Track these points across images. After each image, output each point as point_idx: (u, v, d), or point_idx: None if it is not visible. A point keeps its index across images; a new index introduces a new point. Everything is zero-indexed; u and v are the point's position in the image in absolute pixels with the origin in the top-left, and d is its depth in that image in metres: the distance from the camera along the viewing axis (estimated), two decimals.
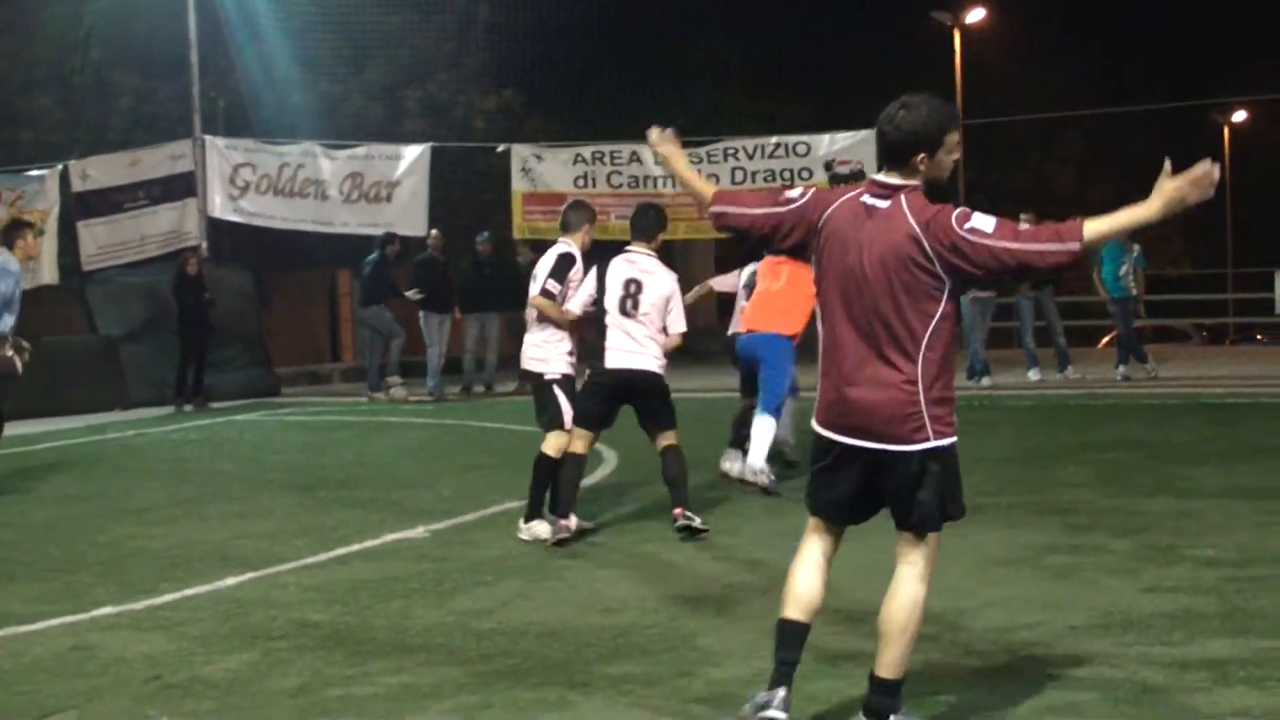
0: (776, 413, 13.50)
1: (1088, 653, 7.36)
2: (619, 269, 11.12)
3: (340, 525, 11.97)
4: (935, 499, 6.13)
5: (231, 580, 9.79)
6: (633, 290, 11.01)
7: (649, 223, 11.41)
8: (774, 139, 27.00)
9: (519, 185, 27.35)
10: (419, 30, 36.51)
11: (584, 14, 33.36)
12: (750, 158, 26.59)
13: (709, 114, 35.97)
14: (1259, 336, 46.59)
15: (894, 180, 6.03)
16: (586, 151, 27.32)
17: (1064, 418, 18.77)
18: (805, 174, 26.26)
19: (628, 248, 11.30)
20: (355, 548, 10.93)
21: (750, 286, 14.72)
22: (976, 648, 7.62)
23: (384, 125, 33.53)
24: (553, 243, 11.69)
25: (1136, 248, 24.52)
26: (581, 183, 27.08)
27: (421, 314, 24.63)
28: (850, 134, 26.68)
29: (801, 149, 26.46)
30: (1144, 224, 5.82)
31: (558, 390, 11.22)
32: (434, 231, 25.48)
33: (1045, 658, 7.31)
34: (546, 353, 11.30)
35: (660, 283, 11.05)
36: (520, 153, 27.59)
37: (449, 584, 9.54)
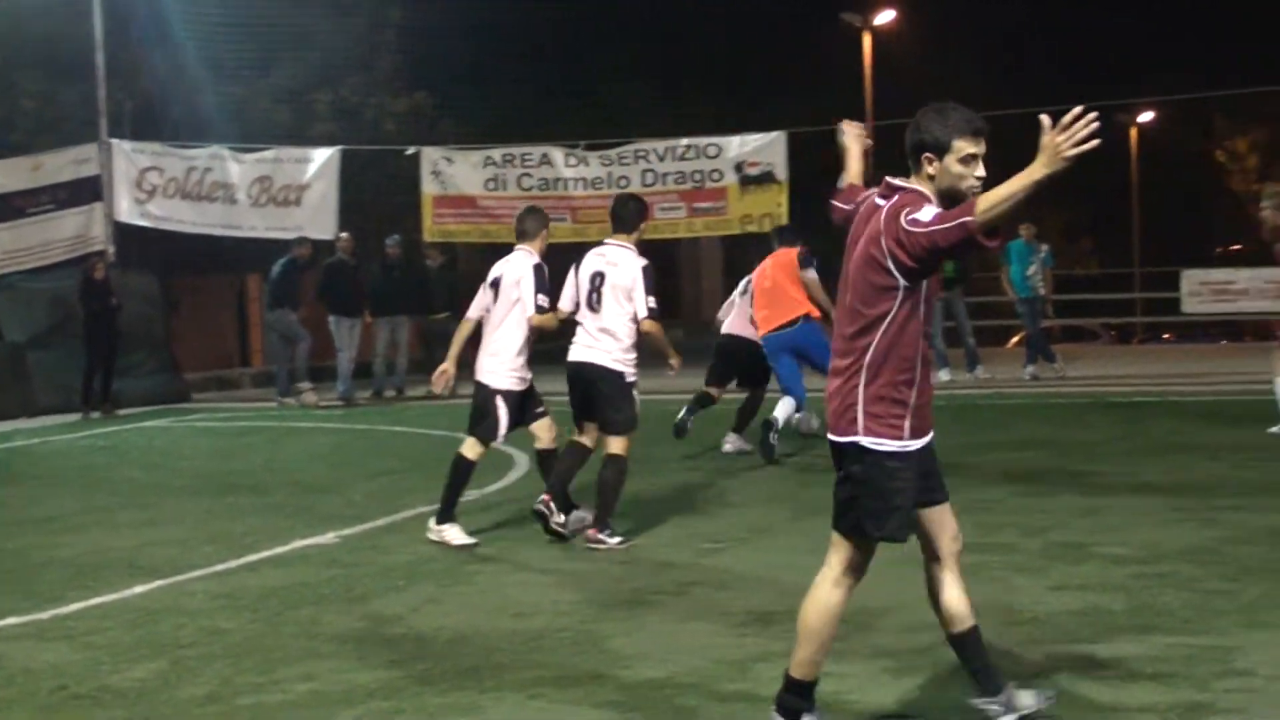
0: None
1: (996, 651, 7.39)
2: (590, 263, 11.14)
3: (250, 532, 11.88)
4: (849, 500, 6.08)
5: (140, 588, 9.71)
6: (597, 283, 11.01)
7: (629, 214, 11.34)
8: (684, 141, 27.00)
9: (429, 188, 27.23)
10: (329, 32, 36.31)
11: (495, 17, 33.32)
12: (661, 159, 26.58)
13: (619, 115, 35.99)
14: (1166, 336, 47.05)
15: (899, 181, 6.07)
16: (497, 154, 27.23)
17: (973, 417, 18.86)
18: (716, 176, 26.29)
19: (606, 240, 11.34)
20: (265, 554, 10.86)
21: (746, 292, 15.75)
22: (886, 647, 7.66)
23: (293, 128, 33.33)
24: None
25: (1045, 248, 24.73)
26: (492, 185, 27.00)
27: (331, 318, 24.47)
28: (760, 136, 26.73)
29: (712, 151, 26.47)
30: (1033, 186, 5.77)
31: (500, 401, 11.21)
32: (344, 235, 25.32)
33: (954, 657, 7.34)
34: (495, 366, 11.28)
35: (622, 273, 10.96)
36: (430, 155, 27.48)
37: (359, 589, 9.50)
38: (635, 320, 10.94)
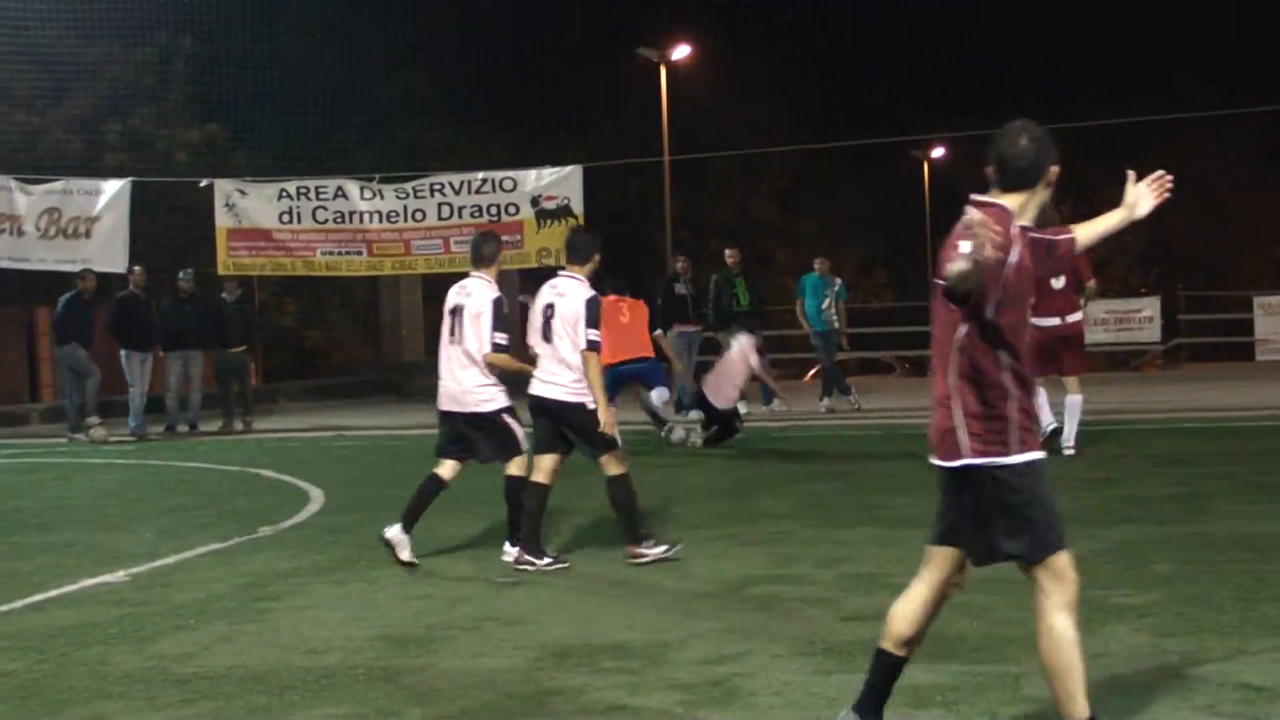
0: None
1: (788, 682, 7.48)
2: (543, 295, 11.21)
3: (38, 570, 11.65)
4: (1022, 524, 6.00)
5: None
6: (549, 314, 11.07)
7: (582, 244, 11.44)
8: (480, 174, 26.98)
9: (223, 221, 26.93)
10: (120, 62, 35.94)
11: (287, 48, 33.12)
12: (457, 193, 26.54)
13: (413, 148, 35.92)
14: None
15: (982, 197, 6.15)
16: (291, 187, 27.01)
17: (770, 450, 19.05)
18: (512, 209, 26.33)
19: (559, 271, 11.47)
20: (53, 593, 10.64)
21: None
22: (680, 680, 7.68)
23: (85, 159, 32.88)
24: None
25: (838, 281, 25.06)
26: (287, 218, 26.77)
27: (123, 352, 24.12)
28: (556, 170, 26.83)
29: (508, 184, 26.49)
30: (1118, 227, 6.46)
31: (508, 419, 11.36)
32: (136, 268, 24.98)
33: (747, 688, 7.40)
34: (489, 392, 11.38)
35: (568, 303, 11.02)
36: (224, 188, 27.19)
37: (149, 628, 9.35)
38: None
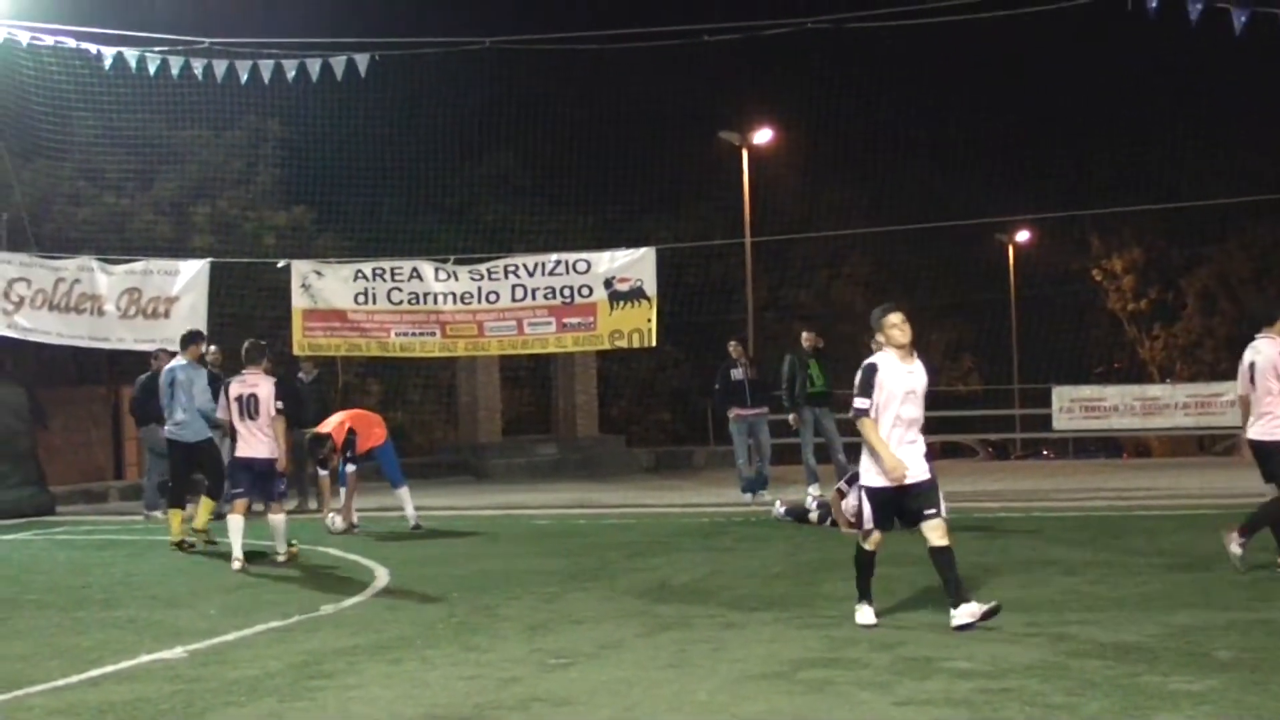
0: None
1: None
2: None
3: (97, 646, 11.71)
4: None
5: None
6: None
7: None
8: (554, 256, 27.03)
9: (299, 301, 27.08)
10: (209, 145, 36.42)
11: (374, 131, 33.44)
12: (530, 275, 26.56)
13: (495, 230, 36.16)
14: (1045, 452, 47.54)
15: None
16: (367, 268, 27.17)
17: (836, 534, 18.92)
18: (585, 291, 26.32)
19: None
20: (109, 669, 10.69)
21: None
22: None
23: (173, 240, 33.32)
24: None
25: None
26: (362, 299, 26.90)
27: None
28: (630, 251, 26.84)
29: (581, 266, 26.49)
30: None
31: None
32: (213, 348, 25.14)
33: None
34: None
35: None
36: (300, 269, 27.38)
37: (200, 705, 9.38)
38: None
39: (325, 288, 27.13)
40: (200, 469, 20.29)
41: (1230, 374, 21.12)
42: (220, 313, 27.65)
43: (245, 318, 31.08)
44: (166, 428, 20.07)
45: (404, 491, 21.14)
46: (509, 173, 42.68)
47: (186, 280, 26.81)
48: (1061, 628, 11.31)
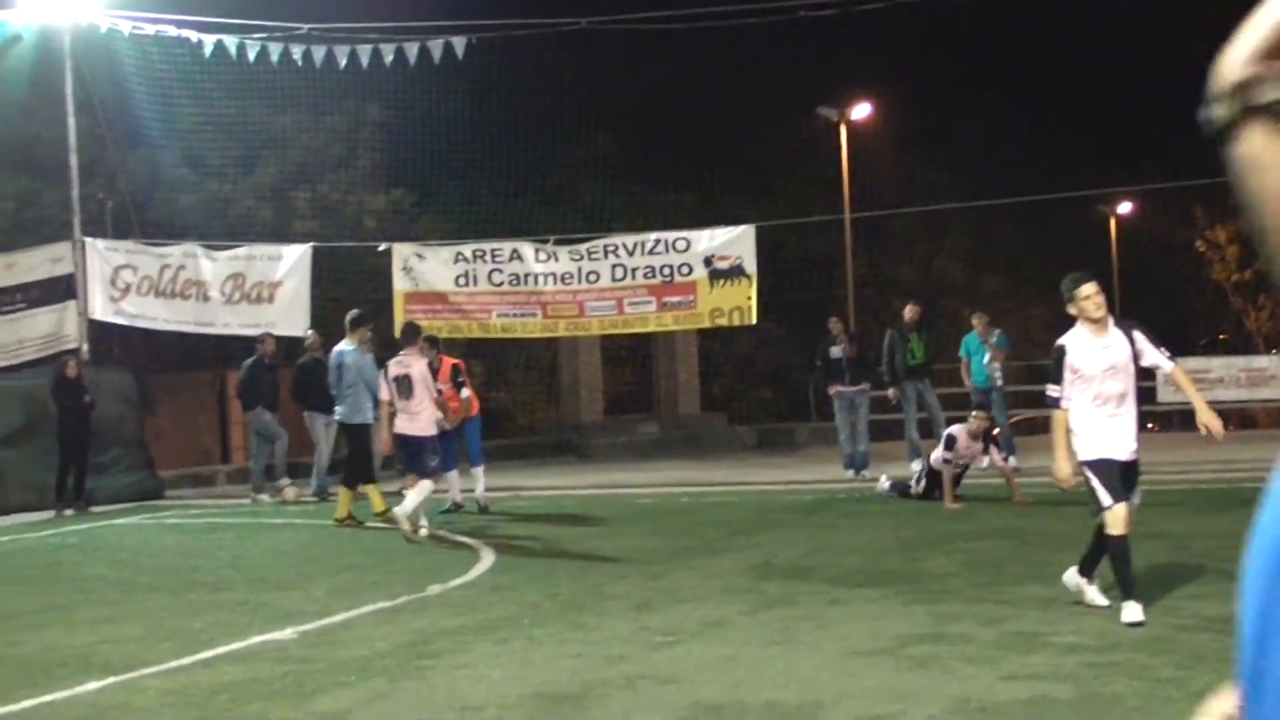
0: None
1: None
2: None
3: (208, 628, 11.86)
4: None
5: (93, 685, 9.68)
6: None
7: None
8: (653, 235, 27.07)
9: (401, 284, 27.27)
10: (309, 130, 36.61)
11: (472, 113, 33.51)
12: (630, 254, 26.61)
13: (593, 210, 36.15)
14: (1150, 425, 47.05)
15: None
16: (467, 250, 27.29)
17: (940, 508, 18.84)
18: (685, 269, 26.36)
19: None
20: (221, 650, 10.83)
21: None
22: None
23: (274, 225, 33.55)
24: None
25: (996, 333, 24.25)
26: (463, 281, 27.06)
27: (306, 414, 24.47)
28: (729, 229, 26.82)
29: (681, 245, 26.52)
30: None
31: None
32: (311, 331, 25.33)
33: None
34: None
35: None
36: (401, 252, 27.55)
37: (310, 685, 9.49)
38: None
39: (427, 270, 27.31)
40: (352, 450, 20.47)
41: None
42: (323, 297, 27.80)
43: (348, 301, 31.17)
44: (338, 410, 20.33)
45: (480, 470, 21.20)
46: (607, 153, 42.61)
47: (289, 265, 27.07)
48: (1171, 601, 11.26)
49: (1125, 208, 59.36)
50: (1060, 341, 11.18)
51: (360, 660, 10.26)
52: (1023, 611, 11.15)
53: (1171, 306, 59.22)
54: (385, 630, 11.43)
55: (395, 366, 18.23)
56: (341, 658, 10.37)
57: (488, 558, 15.61)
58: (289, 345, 26.60)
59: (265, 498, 24.15)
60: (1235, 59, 1.58)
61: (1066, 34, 51.78)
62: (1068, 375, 10.99)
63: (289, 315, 26.64)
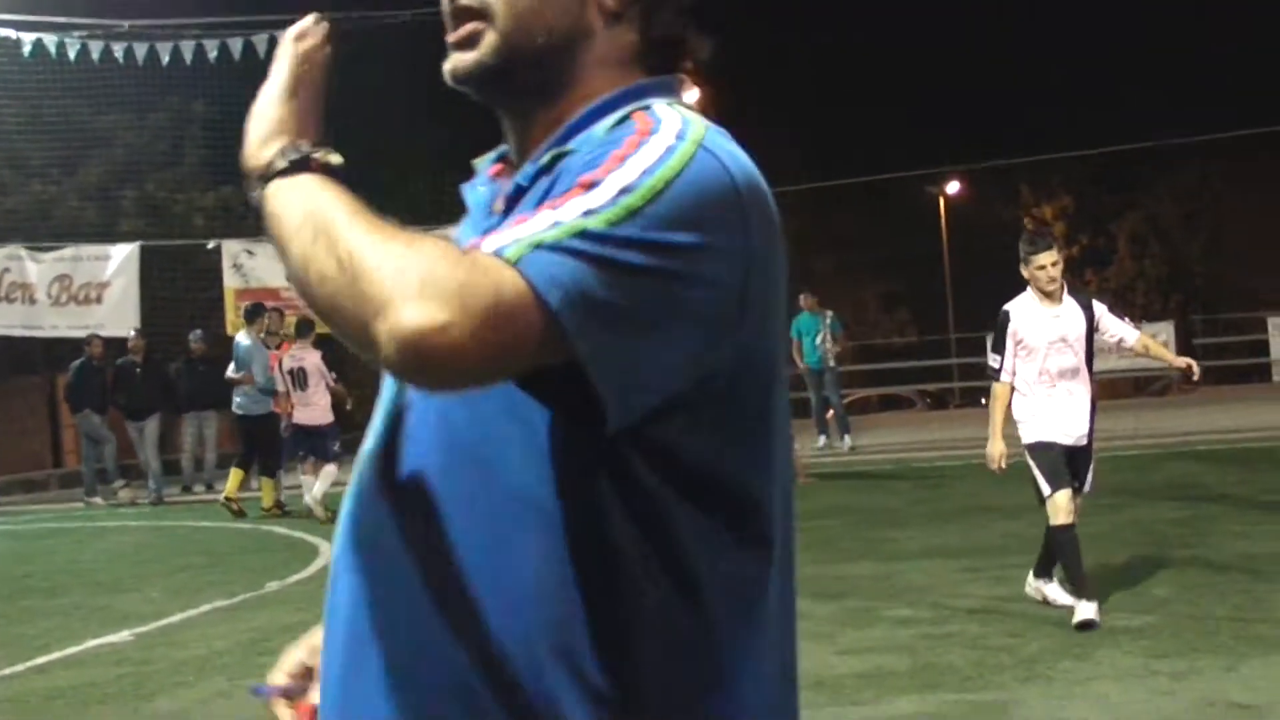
0: None
1: None
2: None
3: (42, 634, 11.68)
4: None
5: None
6: None
7: None
8: None
9: (231, 281, 27.06)
10: (133, 129, 36.08)
11: None
12: None
13: (431, 201, 35.98)
14: (984, 400, 47.68)
15: None
16: None
17: None
18: None
19: None
20: (56, 655, 10.67)
21: None
22: None
23: (101, 225, 33.00)
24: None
25: (829, 315, 24.19)
26: None
27: (130, 424, 24.15)
28: None
29: None
30: None
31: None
32: (132, 333, 24.99)
33: None
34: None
35: None
36: (231, 249, 27.30)
37: (149, 687, 9.38)
38: None
39: (257, 266, 27.05)
40: (255, 442, 20.84)
41: (1161, 315, 21.22)
42: (152, 296, 27.48)
43: (177, 300, 30.92)
44: (237, 401, 20.82)
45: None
46: (435, 145, 42.46)
47: (117, 265, 26.72)
48: (1001, 571, 11.41)
49: (954, 187, 60.12)
50: (1006, 307, 10.23)
51: (199, 660, 10.15)
52: (857, 587, 11.26)
53: (1002, 283, 60.05)
54: (224, 629, 11.32)
55: (290, 360, 19.09)
56: (179, 658, 10.26)
57: (326, 553, 15.51)
58: (119, 347, 26.24)
59: (99, 500, 23.84)
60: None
61: (894, 12, 52.49)
62: (1009, 345, 10.07)
63: (118, 315, 26.26)
